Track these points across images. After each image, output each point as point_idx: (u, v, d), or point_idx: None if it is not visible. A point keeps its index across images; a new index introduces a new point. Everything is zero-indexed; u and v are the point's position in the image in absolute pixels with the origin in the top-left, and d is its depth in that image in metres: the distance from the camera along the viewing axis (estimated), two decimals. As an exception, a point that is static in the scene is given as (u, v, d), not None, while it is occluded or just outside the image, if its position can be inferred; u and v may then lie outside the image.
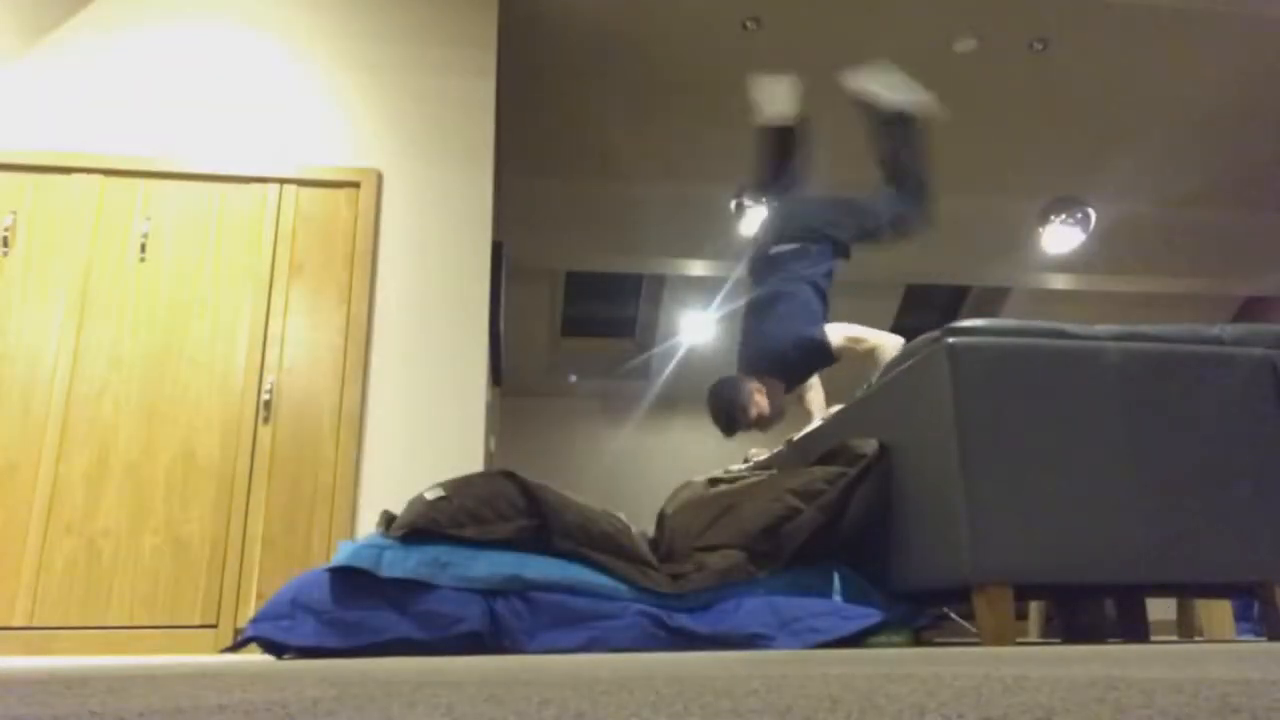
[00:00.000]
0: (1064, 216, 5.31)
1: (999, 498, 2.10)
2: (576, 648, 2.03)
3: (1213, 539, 2.17)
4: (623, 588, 2.18)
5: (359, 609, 1.95)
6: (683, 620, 2.13)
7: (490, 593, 2.06)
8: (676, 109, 5.52)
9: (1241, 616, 3.94)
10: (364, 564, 1.99)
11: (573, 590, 2.14)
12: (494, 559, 2.13)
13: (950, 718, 0.51)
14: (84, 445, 3.50)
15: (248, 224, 3.83)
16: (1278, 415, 2.30)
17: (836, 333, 3.06)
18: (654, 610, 2.14)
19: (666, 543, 2.50)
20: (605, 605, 2.11)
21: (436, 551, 2.07)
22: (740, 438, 3.31)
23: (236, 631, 3.33)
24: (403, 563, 2.03)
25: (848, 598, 2.43)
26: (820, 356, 3.08)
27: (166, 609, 3.37)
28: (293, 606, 1.95)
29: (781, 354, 3.09)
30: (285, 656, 2.01)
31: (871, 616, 2.24)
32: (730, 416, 3.08)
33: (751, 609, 2.19)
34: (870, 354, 2.99)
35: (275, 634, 1.92)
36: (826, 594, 2.29)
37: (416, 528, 2.10)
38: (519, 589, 2.08)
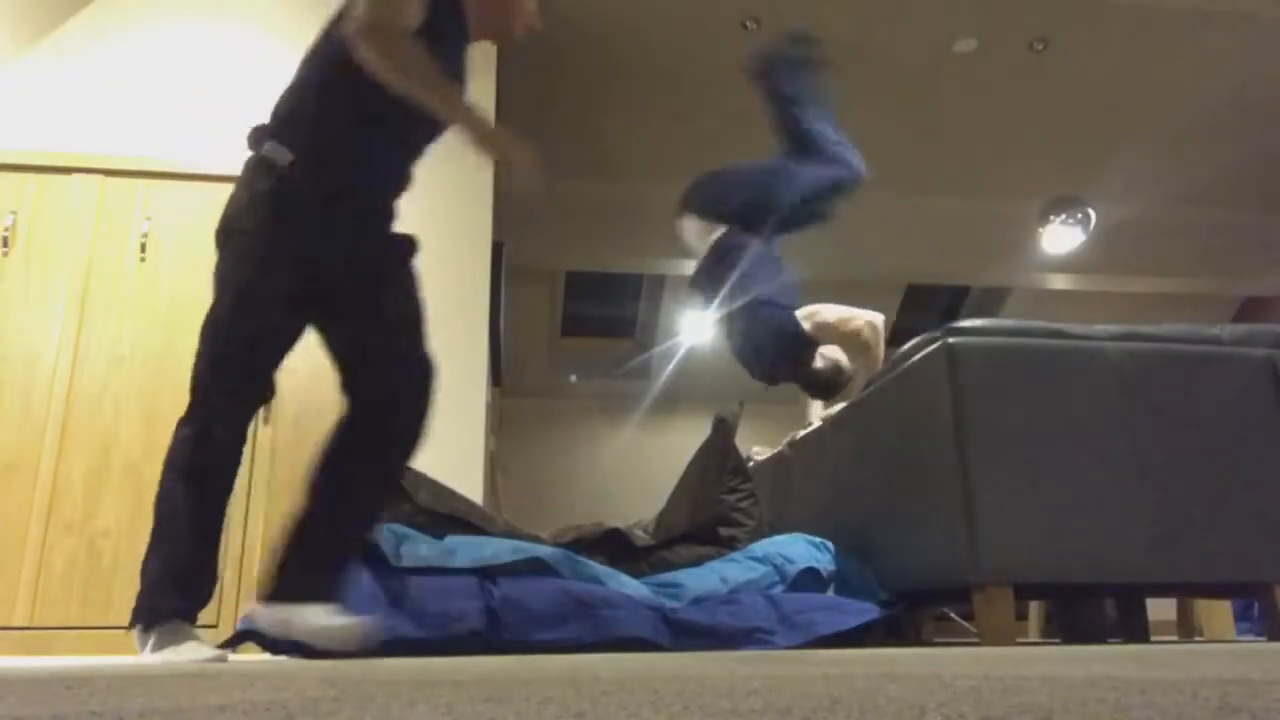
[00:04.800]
0: (1064, 216, 5.31)
1: (999, 498, 2.10)
2: (579, 637, 2.04)
3: (1213, 539, 2.17)
4: (620, 574, 2.30)
5: (354, 609, 1.95)
6: (684, 613, 2.15)
7: (490, 583, 2.07)
8: (677, 109, 5.52)
9: (1241, 616, 3.93)
10: (385, 549, 2.09)
11: (583, 575, 2.20)
12: (501, 542, 2.23)
13: (950, 718, 0.51)
14: (84, 445, 3.49)
15: (248, 224, 3.83)
16: (1278, 415, 2.30)
17: (807, 318, 2.87)
18: (656, 602, 2.16)
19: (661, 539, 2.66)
20: (607, 594, 2.13)
21: (445, 543, 2.18)
22: (740, 438, 3.18)
23: (236, 631, 3.33)
24: (414, 553, 2.12)
25: (842, 572, 2.46)
26: (797, 345, 2.87)
27: (166, 609, 3.37)
28: None
29: (764, 351, 2.93)
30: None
31: (870, 612, 2.26)
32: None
33: (752, 604, 2.21)
34: (852, 336, 2.81)
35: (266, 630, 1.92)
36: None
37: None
38: (530, 569, 2.14)
